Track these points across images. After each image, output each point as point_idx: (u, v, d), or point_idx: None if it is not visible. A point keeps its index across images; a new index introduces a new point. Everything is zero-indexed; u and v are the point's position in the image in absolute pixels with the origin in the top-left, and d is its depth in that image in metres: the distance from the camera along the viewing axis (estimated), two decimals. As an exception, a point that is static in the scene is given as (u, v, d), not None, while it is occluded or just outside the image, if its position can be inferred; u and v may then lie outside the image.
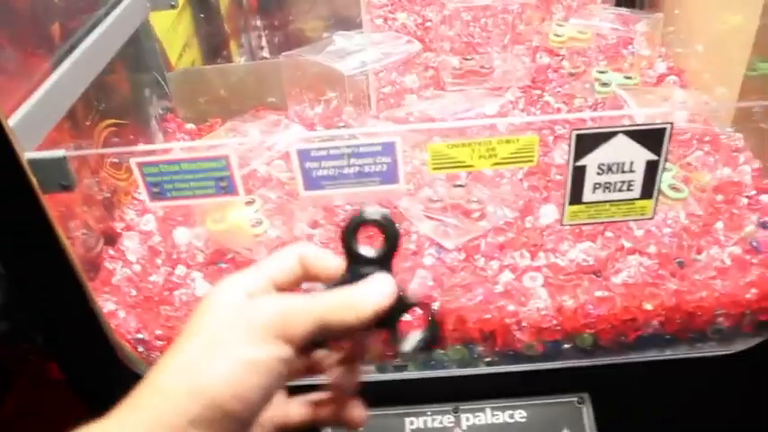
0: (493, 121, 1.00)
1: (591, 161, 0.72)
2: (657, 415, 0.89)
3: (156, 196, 0.73)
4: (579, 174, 0.72)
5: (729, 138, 1.11)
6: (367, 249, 0.48)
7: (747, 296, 0.85)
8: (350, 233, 0.47)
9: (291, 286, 0.47)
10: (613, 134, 0.70)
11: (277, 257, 0.48)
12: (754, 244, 0.91)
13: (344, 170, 0.71)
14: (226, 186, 0.72)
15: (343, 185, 0.72)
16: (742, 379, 0.86)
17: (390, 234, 0.48)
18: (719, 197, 1.00)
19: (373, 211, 0.47)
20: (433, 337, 0.49)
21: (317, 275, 0.48)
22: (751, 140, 1.11)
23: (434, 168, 0.70)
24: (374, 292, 0.46)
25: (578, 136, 0.70)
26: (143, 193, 0.73)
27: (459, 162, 0.71)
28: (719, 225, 0.94)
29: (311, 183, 0.72)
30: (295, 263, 0.47)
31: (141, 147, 0.97)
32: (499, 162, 0.72)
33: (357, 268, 0.47)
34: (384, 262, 0.48)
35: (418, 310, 0.49)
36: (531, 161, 0.73)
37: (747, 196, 1.01)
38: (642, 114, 1.00)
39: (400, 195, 0.96)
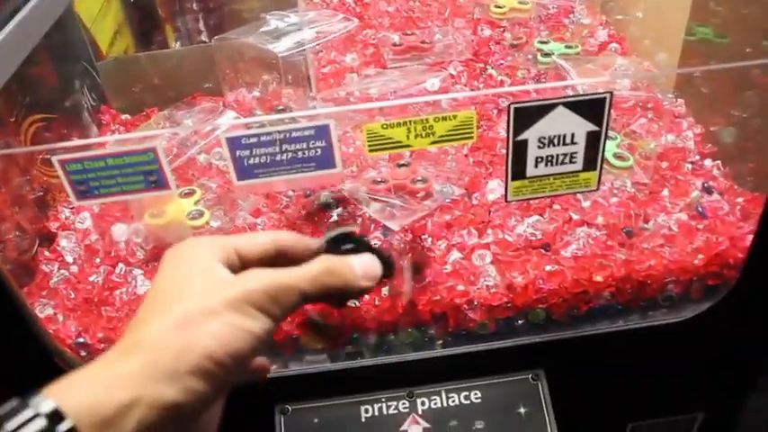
0: (434, 98, 0.98)
1: (531, 135, 0.70)
2: (612, 384, 0.89)
3: (82, 195, 0.69)
4: (520, 148, 0.71)
5: (672, 104, 1.11)
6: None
7: (695, 262, 0.85)
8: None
9: (259, 263, 0.50)
10: (553, 106, 0.68)
11: (250, 234, 0.55)
12: (700, 210, 0.91)
13: (278, 157, 0.68)
14: (155, 180, 0.68)
15: (277, 173, 0.69)
16: (693, 345, 0.87)
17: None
18: (664, 164, 1.00)
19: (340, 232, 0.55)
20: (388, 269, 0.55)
21: (292, 255, 0.52)
22: (693, 105, 1.11)
23: (371, 150, 0.68)
24: (360, 261, 0.52)
25: (516, 110, 0.68)
26: (69, 192, 0.69)
27: (397, 142, 0.69)
28: (665, 192, 0.94)
29: (244, 172, 0.69)
30: (267, 244, 0.51)
31: (64, 143, 0.92)
32: (437, 140, 0.70)
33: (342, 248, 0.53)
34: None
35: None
36: (471, 137, 0.71)
37: (691, 162, 1.01)
38: (584, 84, 0.99)
39: (340, 179, 0.93)
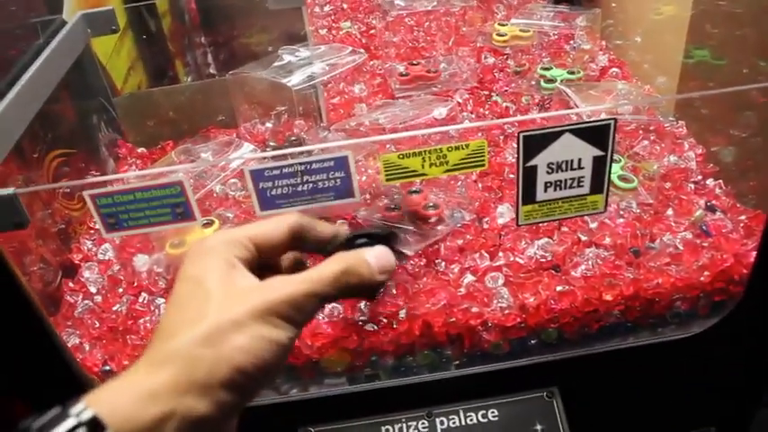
0: (442, 129, 1.01)
1: (540, 161, 0.73)
2: (625, 400, 0.91)
3: (111, 228, 0.72)
4: (529, 174, 0.74)
5: (673, 126, 1.15)
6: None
7: (701, 279, 0.88)
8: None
9: (276, 251, 0.52)
10: (560, 133, 0.71)
11: (264, 222, 0.52)
12: (704, 228, 0.94)
13: (299, 188, 0.71)
14: (182, 212, 0.71)
15: (298, 203, 0.72)
16: (703, 360, 0.89)
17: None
18: (668, 184, 1.02)
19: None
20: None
21: (310, 239, 0.53)
22: (693, 127, 1.14)
23: (388, 179, 0.71)
24: (375, 254, 0.52)
25: (525, 137, 0.71)
26: (99, 225, 0.72)
27: (412, 171, 0.72)
28: (670, 212, 0.97)
29: (266, 202, 0.72)
30: (283, 231, 0.52)
31: (93, 179, 0.96)
32: (451, 168, 0.73)
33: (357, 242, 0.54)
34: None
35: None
36: (483, 164, 0.74)
37: (694, 182, 1.04)
38: (588, 111, 1.02)
39: (357, 207, 0.96)
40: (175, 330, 0.44)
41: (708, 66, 1.14)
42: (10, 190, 0.69)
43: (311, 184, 0.71)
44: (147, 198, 0.71)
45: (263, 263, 0.52)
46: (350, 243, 0.54)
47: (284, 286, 0.47)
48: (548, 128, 0.71)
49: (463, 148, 0.71)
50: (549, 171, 0.74)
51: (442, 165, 0.72)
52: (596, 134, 0.72)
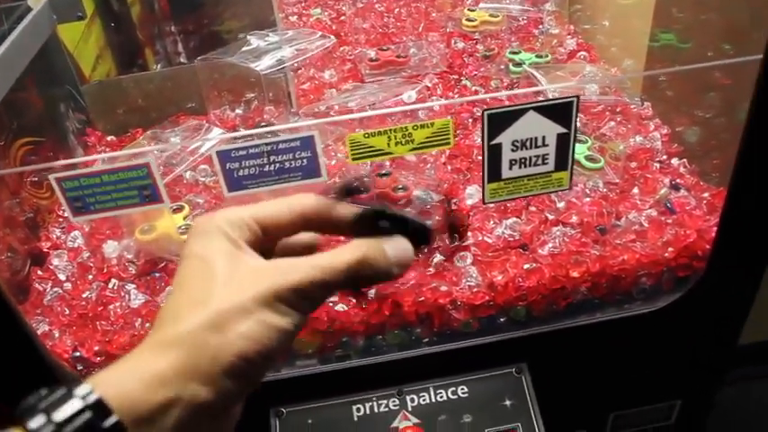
0: (412, 108, 1.02)
1: (505, 139, 0.74)
2: (592, 375, 0.92)
3: (79, 211, 0.72)
4: (495, 152, 0.75)
5: (639, 107, 1.16)
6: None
7: (666, 255, 0.90)
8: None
9: (284, 232, 0.49)
10: (524, 111, 0.73)
11: (272, 202, 0.49)
12: (668, 205, 0.96)
13: (266, 168, 0.71)
14: (149, 195, 0.71)
15: (265, 183, 0.73)
16: (668, 333, 0.91)
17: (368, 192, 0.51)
18: (633, 164, 1.04)
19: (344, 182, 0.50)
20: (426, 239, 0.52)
21: (325, 221, 0.50)
22: (659, 108, 1.16)
23: (354, 158, 0.71)
24: (393, 247, 0.48)
25: (489, 116, 0.72)
26: (66, 210, 0.72)
27: (378, 150, 0.72)
28: (635, 190, 0.99)
29: (234, 183, 0.72)
30: (293, 214, 0.49)
31: (59, 162, 0.95)
32: (417, 147, 0.73)
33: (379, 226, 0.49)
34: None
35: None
36: (448, 143, 0.75)
37: (659, 161, 1.06)
38: (555, 90, 1.03)
39: (326, 189, 0.96)
40: (181, 312, 0.43)
41: (673, 49, 1.16)
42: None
43: (278, 164, 0.71)
44: (114, 180, 0.71)
45: (268, 243, 0.50)
46: (368, 226, 0.50)
47: (293, 272, 0.45)
48: (512, 106, 0.72)
49: (428, 127, 0.72)
50: (514, 149, 0.75)
51: (408, 143, 0.72)
52: (560, 112, 0.74)
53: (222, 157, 0.70)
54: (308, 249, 0.53)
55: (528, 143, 0.75)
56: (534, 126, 0.74)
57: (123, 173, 0.70)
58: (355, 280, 0.47)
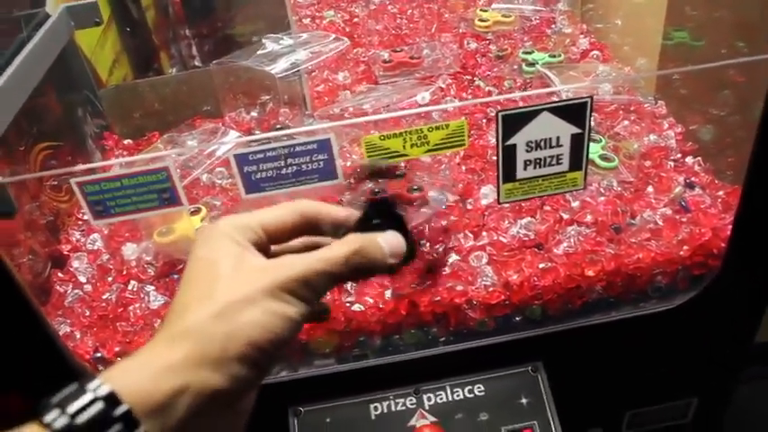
0: (425, 110, 1.03)
1: (519, 140, 0.75)
2: (608, 373, 0.93)
3: (99, 215, 0.73)
4: (509, 153, 0.75)
5: (652, 106, 1.16)
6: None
7: (681, 253, 0.90)
8: (359, 181, 0.54)
9: (287, 235, 0.52)
10: (538, 112, 0.73)
11: (274, 208, 0.53)
12: (683, 204, 0.96)
13: (283, 171, 0.72)
14: (168, 198, 0.72)
15: (282, 186, 0.74)
16: (684, 332, 0.91)
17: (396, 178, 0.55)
18: (648, 163, 1.04)
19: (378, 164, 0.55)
20: (411, 252, 0.55)
21: (324, 223, 0.53)
22: (672, 106, 1.16)
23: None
24: (387, 239, 0.52)
25: (504, 117, 0.73)
26: (86, 213, 0.73)
27: (394, 152, 0.73)
28: (650, 189, 0.99)
29: (252, 186, 0.73)
30: (294, 214, 0.52)
31: (79, 166, 0.96)
32: (432, 149, 0.74)
33: (373, 222, 0.52)
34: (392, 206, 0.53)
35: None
36: (463, 144, 0.75)
37: (673, 160, 1.06)
38: (569, 90, 1.04)
39: (341, 190, 0.97)
40: (188, 308, 0.45)
41: (686, 47, 1.16)
42: (-3, 179, 0.70)
43: (295, 167, 0.72)
44: (134, 185, 0.72)
45: (272, 248, 0.53)
46: (363, 225, 0.54)
47: (296, 264, 0.47)
48: (526, 107, 0.73)
49: (443, 128, 0.73)
50: (529, 149, 0.75)
51: (423, 145, 0.73)
52: (574, 112, 0.74)
53: (240, 160, 0.71)
54: (309, 251, 0.55)
55: (542, 144, 0.75)
56: (548, 127, 0.74)
57: (143, 177, 0.71)
58: (355, 270, 0.50)
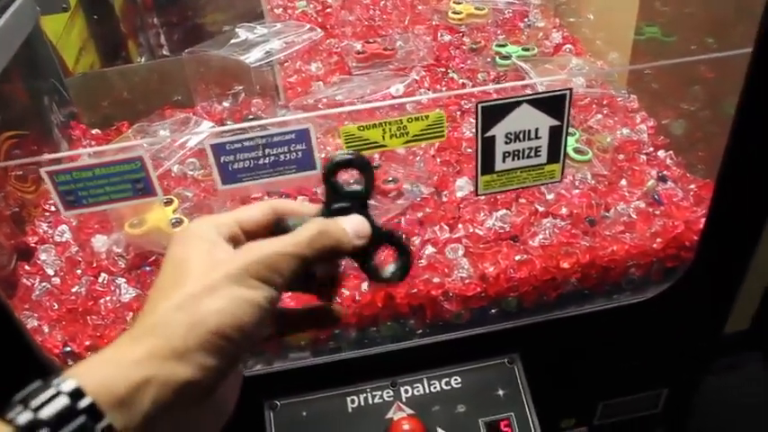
0: (402, 101, 1.02)
1: (498, 131, 0.75)
2: (583, 364, 0.93)
3: (70, 205, 0.71)
4: (488, 144, 0.75)
5: (625, 99, 1.17)
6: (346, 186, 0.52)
7: (654, 246, 0.91)
8: (330, 171, 0.52)
9: (261, 232, 0.51)
10: (517, 104, 0.73)
11: (248, 207, 0.52)
12: (656, 197, 0.97)
13: (260, 161, 0.71)
14: (142, 188, 0.71)
15: (260, 176, 0.73)
16: (656, 324, 0.92)
17: (366, 171, 0.52)
18: (621, 156, 1.05)
19: (347, 153, 0.52)
20: (406, 264, 0.53)
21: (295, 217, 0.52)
22: (645, 101, 1.17)
23: (349, 151, 0.71)
24: (349, 221, 0.52)
25: (483, 108, 0.73)
26: (57, 203, 0.71)
27: (372, 142, 0.72)
28: (623, 182, 1.00)
29: (228, 176, 0.72)
30: (266, 210, 0.52)
31: (50, 155, 0.94)
32: (411, 140, 0.74)
33: (333, 207, 0.52)
34: (361, 198, 0.52)
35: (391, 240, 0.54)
36: (442, 136, 0.75)
37: (646, 153, 1.07)
38: (543, 83, 1.04)
39: (318, 182, 0.96)
40: (154, 306, 0.45)
41: (658, 42, 1.17)
42: (-37, 168, 0.68)
43: (273, 157, 0.71)
44: (107, 174, 0.70)
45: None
46: (328, 212, 0.53)
47: (259, 248, 0.47)
48: (505, 98, 0.73)
49: (422, 119, 0.72)
50: (507, 141, 0.75)
51: (403, 136, 0.73)
52: (553, 104, 0.74)
53: (217, 150, 0.70)
54: None
55: (521, 135, 0.75)
56: (527, 119, 0.74)
57: (116, 166, 0.70)
58: (319, 251, 0.49)
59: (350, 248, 0.51)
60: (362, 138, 0.72)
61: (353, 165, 0.52)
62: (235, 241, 0.50)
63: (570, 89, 0.74)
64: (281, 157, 0.71)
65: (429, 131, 0.73)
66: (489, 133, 0.74)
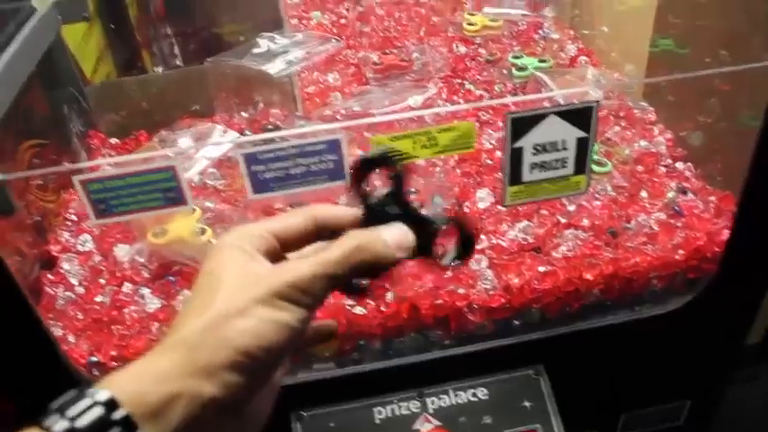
0: (437, 111, 1.03)
1: (526, 142, 0.75)
2: (606, 375, 0.93)
3: (102, 213, 0.71)
4: (517, 155, 0.76)
5: (643, 111, 1.18)
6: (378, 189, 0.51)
7: (676, 257, 0.91)
8: (359, 175, 0.51)
9: (300, 242, 0.51)
10: (545, 115, 0.74)
11: (284, 215, 0.52)
12: (677, 209, 0.97)
13: (291, 170, 0.72)
14: (174, 197, 0.71)
15: (290, 186, 0.73)
16: (679, 335, 0.92)
17: (393, 164, 0.51)
18: (640, 168, 1.06)
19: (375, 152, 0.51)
20: (468, 246, 0.53)
21: (333, 226, 0.52)
22: (662, 113, 1.18)
23: (380, 162, 0.72)
24: (391, 232, 0.50)
25: (513, 119, 0.73)
26: (88, 211, 0.71)
27: (403, 153, 0.73)
28: (644, 194, 1.00)
29: (259, 186, 0.72)
30: (304, 219, 0.51)
31: (84, 164, 0.95)
32: (440, 150, 0.74)
33: (374, 214, 0.51)
34: (397, 197, 0.51)
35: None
36: (471, 147, 0.75)
37: (665, 165, 1.07)
38: (567, 95, 1.04)
39: (342, 192, 0.97)
40: (186, 319, 0.45)
41: (673, 54, 1.18)
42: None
43: (304, 167, 0.71)
44: (139, 183, 0.70)
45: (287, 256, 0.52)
46: (370, 221, 0.51)
47: (291, 269, 0.47)
48: (534, 110, 0.73)
49: (452, 130, 0.73)
50: (535, 152, 0.76)
51: (433, 146, 0.73)
52: (580, 116, 0.75)
53: (248, 159, 0.70)
54: None
55: (549, 147, 0.76)
56: (555, 130, 0.75)
57: (148, 175, 0.70)
58: (359, 268, 0.48)
59: (391, 262, 0.50)
60: (392, 148, 0.72)
61: (384, 160, 0.51)
62: (271, 254, 0.50)
63: (597, 101, 0.74)
64: (312, 167, 0.71)
65: (458, 142, 0.74)
66: (518, 144, 0.75)
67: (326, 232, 0.52)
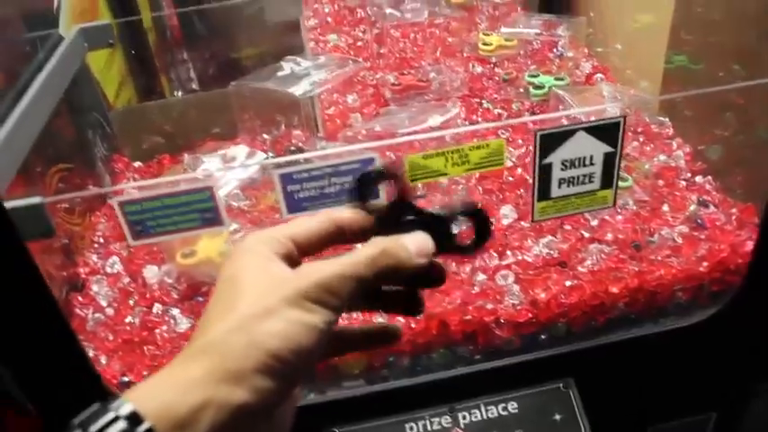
0: (462, 130, 1.04)
1: (555, 158, 0.76)
2: (634, 388, 0.94)
3: (138, 234, 0.73)
4: (545, 171, 0.77)
5: (660, 126, 1.19)
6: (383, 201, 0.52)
7: (700, 269, 0.92)
8: (363, 192, 0.51)
9: (318, 246, 0.51)
10: (574, 131, 0.75)
11: (302, 219, 0.51)
12: (699, 222, 0.98)
13: (326, 189, 0.73)
14: (210, 218, 0.73)
15: (324, 204, 0.74)
16: (704, 347, 0.93)
17: (396, 176, 0.51)
18: (661, 182, 1.07)
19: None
20: (485, 228, 0.52)
21: (352, 230, 0.51)
22: (679, 127, 1.19)
23: (413, 179, 0.73)
24: (413, 239, 0.49)
25: (542, 136, 0.74)
26: (126, 233, 0.72)
27: (435, 171, 0.74)
28: (666, 207, 1.01)
29: (294, 205, 0.73)
30: (325, 223, 0.51)
31: (121, 185, 0.96)
32: (472, 167, 0.75)
33: (385, 223, 0.51)
34: (404, 203, 0.51)
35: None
36: (501, 164, 0.77)
37: (685, 179, 1.08)
38: (583, 113, 1.06)
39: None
40: (210, 325, 0.44)
41: (686, 70, 1.20)
42: (37, 199, 0.70)
43: (338, 186, 0.73)
44: (176, 204, 0.72)
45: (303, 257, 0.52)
46: (387, 229, 0.51)
47: (318, 270, 0.46)
48: (563, 126, 0.74)
49: (483, 147, 0.74)
50: (563, 168, 0.77)
51: (464, 164, 0.74)
52: (607, 132, 0.76)
53: (284, 179, 0.71)
54: None
55: (576, 162, 0.77)
56: (583, 146, 0.76)
57: (186, 196, 0.71)
58: (383, 272, 0.48)
59: (411, 268, 0.49)
60: (426, 166, 0.73)
61: (382, 173, 0.52)
62: (289, 258, 0.49)
63: (624, 117, 0.76)
64: (346, 185, 0.73)
65: (489, 159, 0.75)
66: (547, 160, 0.76)
67: (342, 238, 0.52)
